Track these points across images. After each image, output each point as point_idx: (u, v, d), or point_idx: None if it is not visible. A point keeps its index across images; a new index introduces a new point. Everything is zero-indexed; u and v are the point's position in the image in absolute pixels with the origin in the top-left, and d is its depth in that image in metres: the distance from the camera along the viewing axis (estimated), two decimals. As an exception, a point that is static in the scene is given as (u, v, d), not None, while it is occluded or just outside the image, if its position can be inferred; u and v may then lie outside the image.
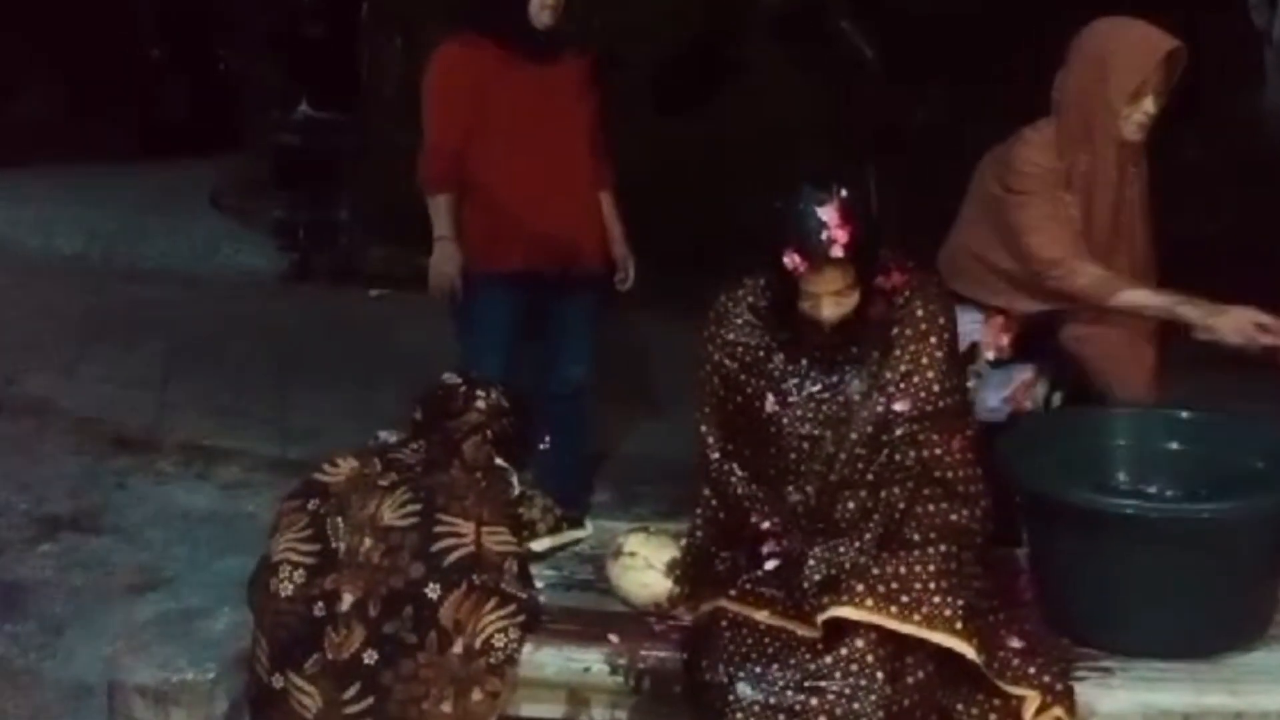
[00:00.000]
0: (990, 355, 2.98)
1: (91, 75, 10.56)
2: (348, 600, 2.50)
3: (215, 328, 6.15)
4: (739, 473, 2.57)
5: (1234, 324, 2.71)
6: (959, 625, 2.25)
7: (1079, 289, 2.85)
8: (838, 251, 2.35)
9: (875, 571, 2.30)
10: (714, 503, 2.61)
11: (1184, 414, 2.75)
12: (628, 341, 5.13)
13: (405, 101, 7.19)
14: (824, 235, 2.34)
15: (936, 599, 2.26)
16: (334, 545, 2.55)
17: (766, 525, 2.51)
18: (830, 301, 2.43)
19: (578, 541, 2.90)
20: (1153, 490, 2.67)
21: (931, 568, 2.30)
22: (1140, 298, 2.83)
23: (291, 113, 7.04)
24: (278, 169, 7.49)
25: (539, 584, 2.68)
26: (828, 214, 2.35)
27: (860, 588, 2.28)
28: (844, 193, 2.37)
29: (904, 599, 2.26)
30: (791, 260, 2.37)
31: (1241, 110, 5.93)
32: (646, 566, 2.61)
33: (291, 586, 2.54)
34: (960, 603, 2.27)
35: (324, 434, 4.80)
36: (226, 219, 8.56)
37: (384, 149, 7.13)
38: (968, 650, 2.24)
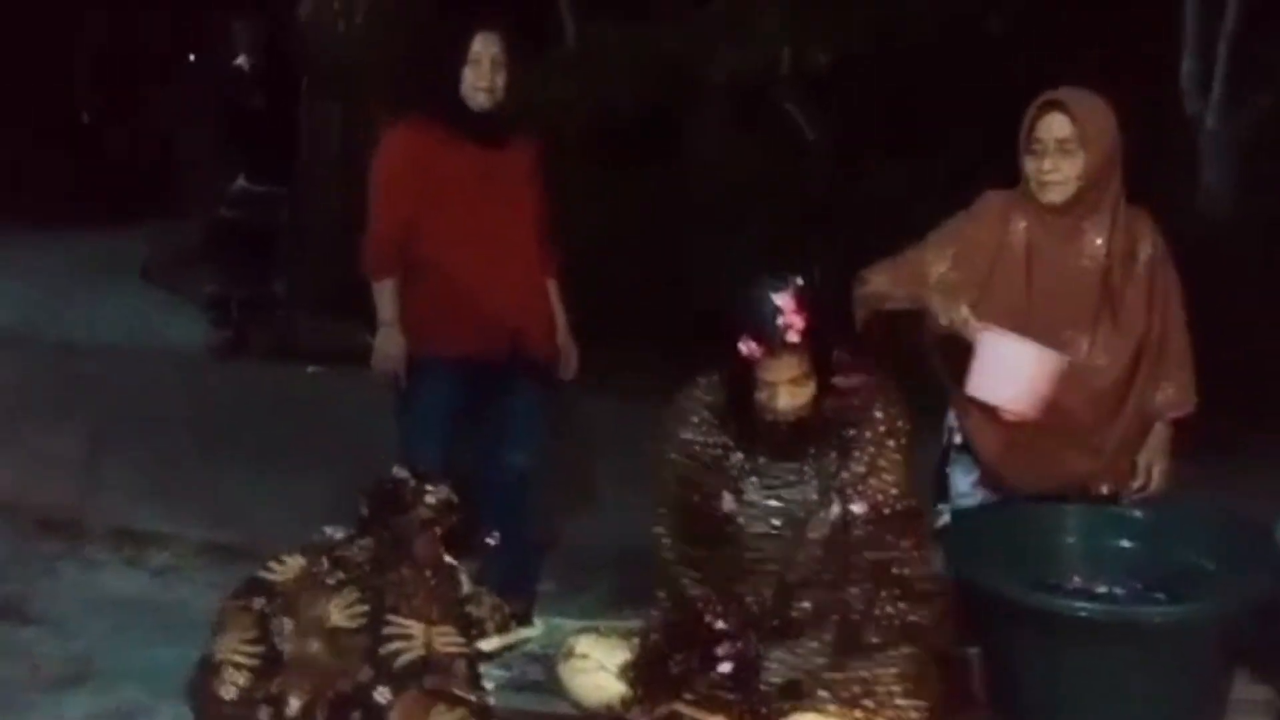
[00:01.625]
0: (957, 439, 2.93)
1: (19, 139, 10.44)
2: (294, 704, 2.43)
3: (145, 404, 6.01)
4: (693, 574, 2.56)
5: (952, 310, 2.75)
6: (923, 729, 2.24)
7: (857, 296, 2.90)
8: (793, 337, 2.38)
9: (838, 676, 2.29)
10: (668, 604, 2.60)
11: (1135, 512, 2.77)
12: (569, 425, 5.09)
13: (343, 176, 7.21)
14: (779, 321, 2.37)
15: (901, 701, 2.26)
16: (280, 647, 2.49)
17: (720, 626, 2.50)
18: (786, 391, 2.44)
19: (527, 640, 2.86)
20: (1103, 588, 2.68)
21: (894, 670, 2.30)
22: (877, 284, 2.87)
23: (228, 185, 6.95)
24: (213, 242, 7.39)
25: (488, 684, 2.63)
26: (783, 300, 2.39)
27: (823, 693, 2.27)
28: (799, 280, 2.41)
29: (868, 703, 2.26)
30: (747, 346, 2.39)
31: (1178, 192, 6.08)
32: (599, 668, 2.58)
33: (235, 690, 2.47)
34: (924, 704, 2.27)
35: (257, 517, 4.70)
36: (157, 291, 8.44)
37: (321, 223, 7.10)
38: (932, 756, 2.23)
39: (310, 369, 6.83)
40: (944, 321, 2.74)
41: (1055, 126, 2.78)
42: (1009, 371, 2.64)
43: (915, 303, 2.83)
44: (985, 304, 2.78)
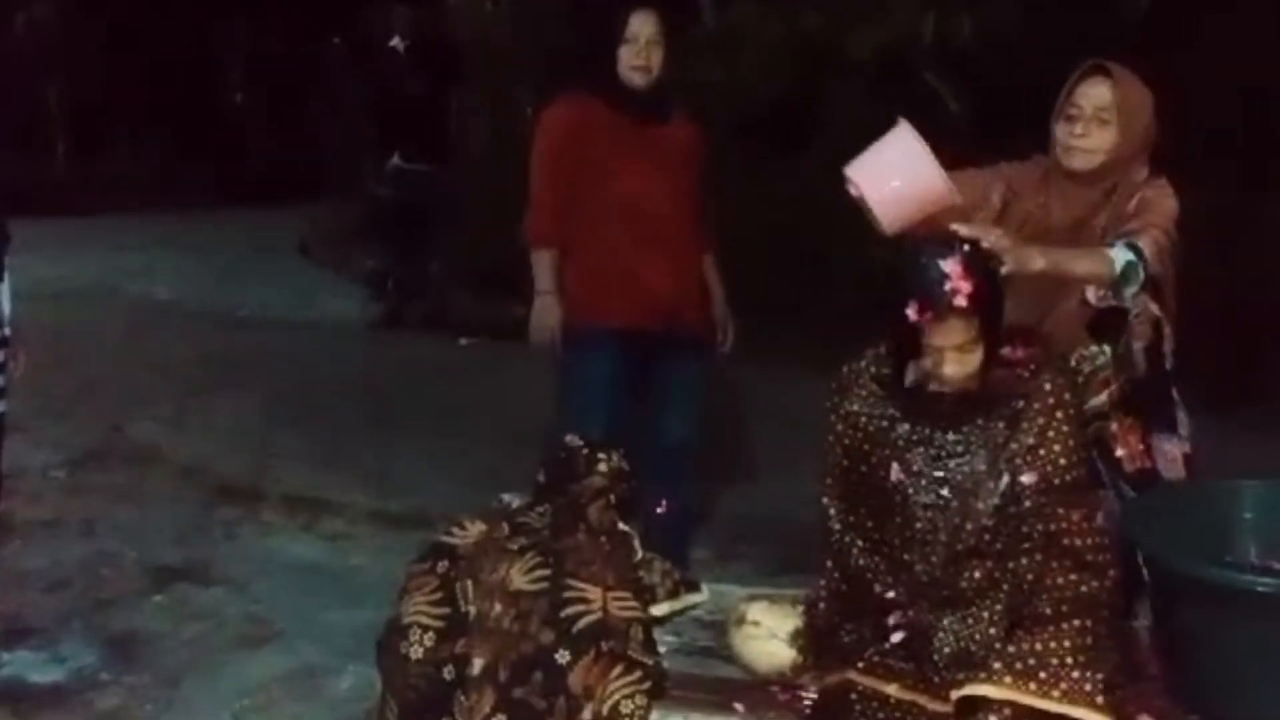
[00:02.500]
0: None
1: (181, 124, 10.85)
2: (478, 664, 2.52)
3: (312, 376, 6.26)
4: (860, 543, 2.57)
5: None
6: (1100, 700, 2.25)
7: None
8: (961, 301, 2.38)
9: (1011, 649, 2.30)
10: (836, 574, 2.62)
11: (1313, 488, 2.72)
12: (720, 398, 5.15)
13: (495, 155, 7.35)
14: (947, 286, 2.38)
15: (1075, 674, 2.26)
16: (464, 609, 2.58)
17: (891, 596, 2.52)
18: (953, 357, 2.44)
19: (695, 606, 2.91)
20: (1280, 565, 2.63)
21: (1068, 642, 2.30)
22: None
23: (384, 164, 7.16)
24: (369, 219, 7.62)
25: (660, 649, 2.69)
26: (950, 266, 2.39)
27: (997, 665, 2.27)
28: (966, 247, 2.41)
29: (1042, 675, 2.25)
30: (914, 311, 2.40)
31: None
32: (770, 636, 2.61)
33: (421, 650, 2.56)
34: (1100, 676, 2.27)
35: (423, 486, 4.87)
36: (316, 267, 8.74)
37: (473, 201, 7.26)
38: (1111, 727, 2.23)
39: (463, 341, 7.02)
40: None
41: (1096, 94, 2.76)
42: (898, 168, 2.57)
43: None
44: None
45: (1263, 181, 5.92)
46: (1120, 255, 2.67)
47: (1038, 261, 2.57)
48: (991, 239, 2.50)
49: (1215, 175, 5.10)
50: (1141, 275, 2.70)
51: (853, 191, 2.61)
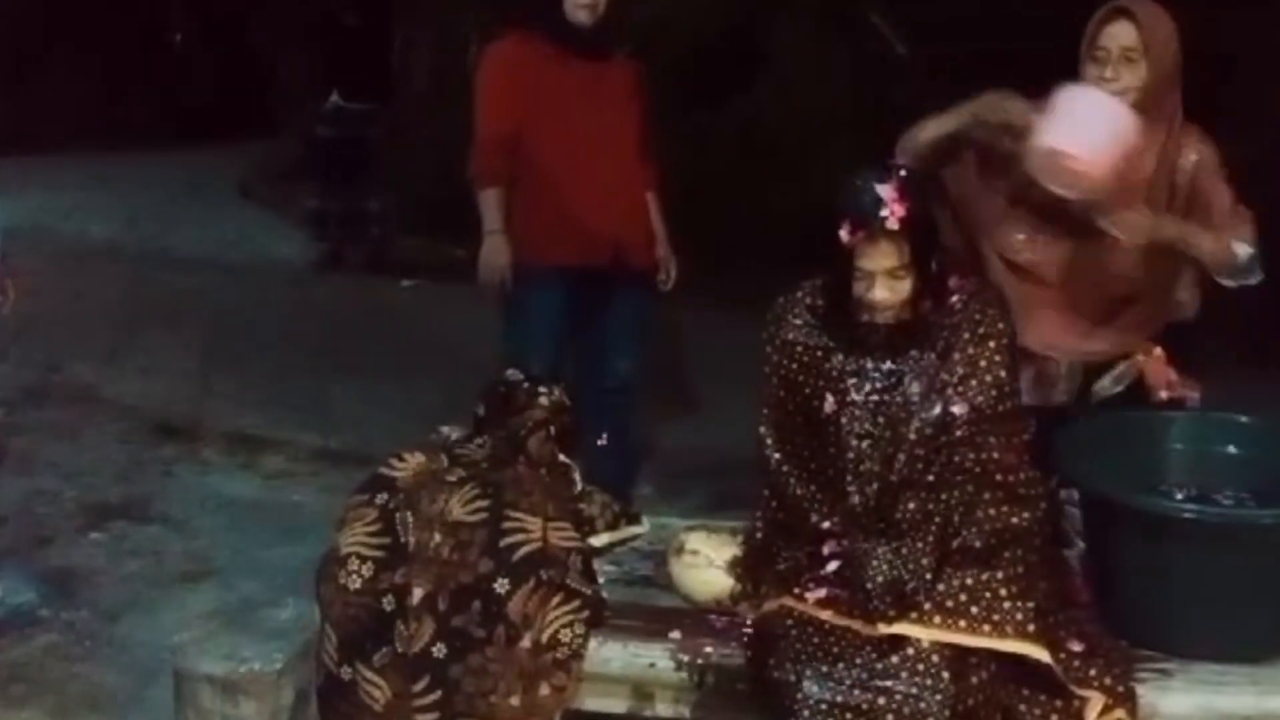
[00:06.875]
0: None
1: (118, 60, 10.62)
2: (417, 594, 2.52)
3: (251, 316, 6.20)
4: (797, 473, 2.60)
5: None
6: (1030, 629, 2.28)
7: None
8: (892, 223, 2.41)
9: (940, 586, 2.32)
10: (773, 503, 2.64)
11: (1242, 419, 2.77)
12: (662, 336, 5.16)
13: (436, 93, 7.27)
14: (881, 210, 2.40)
15: (1006, 605, 2.29)
16: (403, 540, 2.58)
17: (826, 525, 2.54)
18: (884, 282, 2.47)
19: (635, 537, 2.94)
20: (1211, 495, 2.69)
21: (1000, 574, 2.33)
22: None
23: (324, 103, 7.07)
24: (310, 159, 7.53)
25: (600, 579, 2.71)
26: (885, 190, 2.42)
27: (927, 605, 2.29)
28: (903, 173, 2.43)
29: (973, 610, 2.28)
30: (847, 231, 2.41)
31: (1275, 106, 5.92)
32: (708, 564, 2.63)
33: (360, 580, 2.57)
34: (1030, 605, 2.30)
35: (363, 424, 4.86)
36: (256, 207, 8.63)
37: (415, 140, 7.19)
38: (1041, 654, 2.27)
39: (405, 283, 6.98)
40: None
41: (1120, 34, 2.77)
42: (1090, 120, 2.63)
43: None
44: (1032, 190, 2.78)
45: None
46: (1242, 249, 2.79)
47: (1169, 230, 2.75)
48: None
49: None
50: (1259, 274, 2.83)
51: (1069, 163, 2.63)
